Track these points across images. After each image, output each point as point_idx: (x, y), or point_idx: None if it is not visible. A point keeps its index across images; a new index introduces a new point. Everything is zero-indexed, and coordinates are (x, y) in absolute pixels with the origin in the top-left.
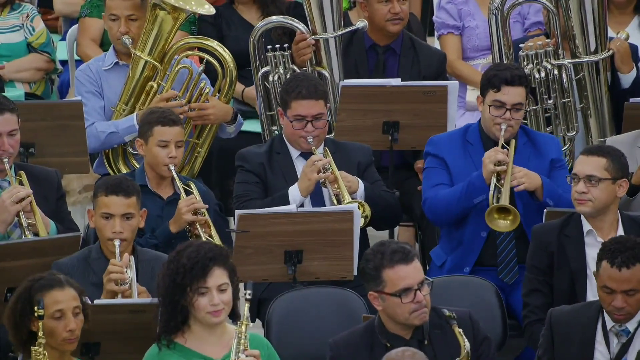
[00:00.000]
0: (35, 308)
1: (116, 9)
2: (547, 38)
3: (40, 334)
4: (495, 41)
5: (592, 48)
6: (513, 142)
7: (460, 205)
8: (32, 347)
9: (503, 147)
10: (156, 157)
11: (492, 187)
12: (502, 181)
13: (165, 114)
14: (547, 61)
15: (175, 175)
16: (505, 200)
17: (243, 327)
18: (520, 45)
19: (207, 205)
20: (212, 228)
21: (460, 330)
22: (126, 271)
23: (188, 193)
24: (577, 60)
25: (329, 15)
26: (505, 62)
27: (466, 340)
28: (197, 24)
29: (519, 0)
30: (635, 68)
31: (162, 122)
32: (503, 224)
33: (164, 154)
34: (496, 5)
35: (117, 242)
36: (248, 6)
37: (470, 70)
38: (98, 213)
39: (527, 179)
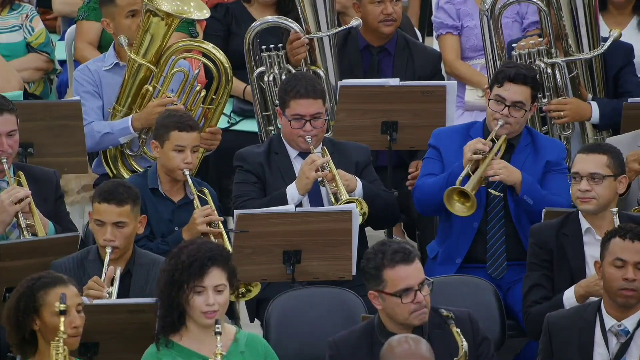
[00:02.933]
0: (57, 304)
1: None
2: (540, 37)
3: (61, 328)
4: (487, 42)
5: (585, 45)
6: (503, 137)
7: (442, 193)
8: (51, 342)
9: (493, 141)
10: (171, 162)
11: (463, 173)
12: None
13: (184, 118)
14: (540, 60)
15: (189, 180)
16: (468, 186)
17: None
18: (513, 45)
19: (222, 218)
20: (226, 240)
21: (458, 330)
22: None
23: (201, 200)
24: (570, 58)
25: (323, 14)
26: (498, 62)
27: (464, 340)
28: (206, 20)
29: (510, 0)
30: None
31: (179, 127)
32: (459, 208)
33: (180, 159)
34: (487, 6)
35: (108, 250)
36: (264, 7)
37: (469, 70)
38: (92, 218)
39: (506, 171)
